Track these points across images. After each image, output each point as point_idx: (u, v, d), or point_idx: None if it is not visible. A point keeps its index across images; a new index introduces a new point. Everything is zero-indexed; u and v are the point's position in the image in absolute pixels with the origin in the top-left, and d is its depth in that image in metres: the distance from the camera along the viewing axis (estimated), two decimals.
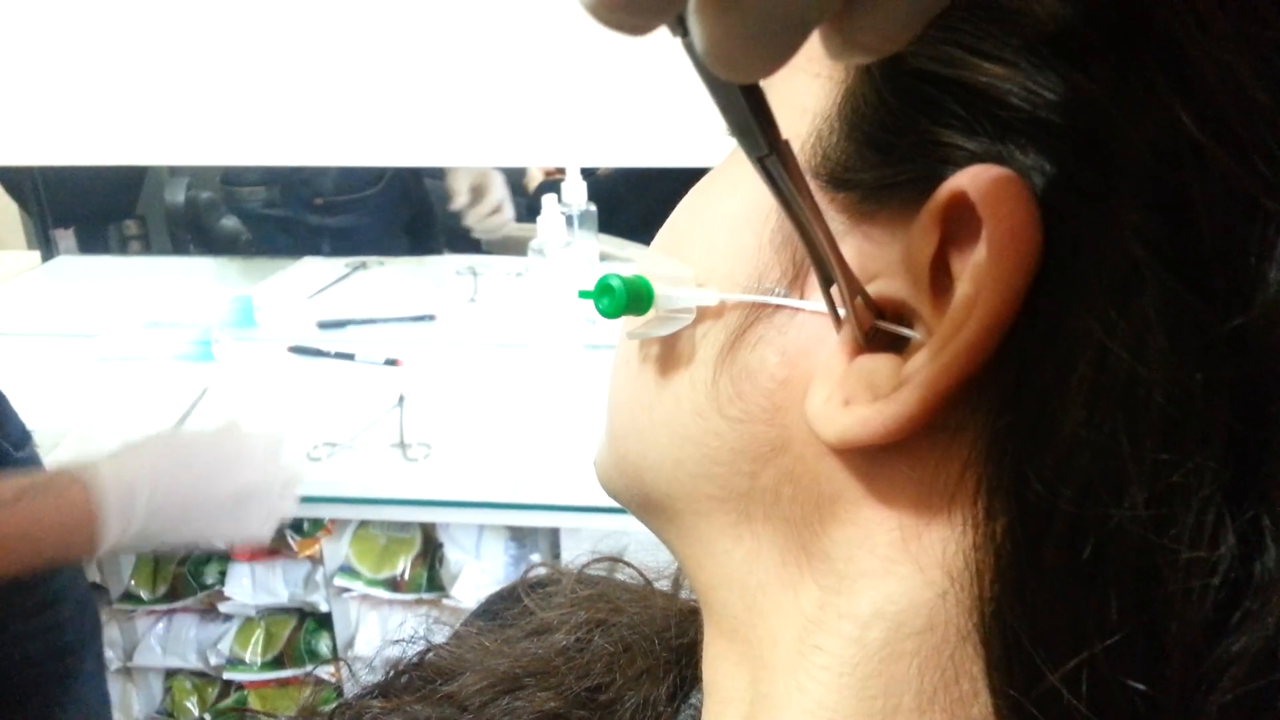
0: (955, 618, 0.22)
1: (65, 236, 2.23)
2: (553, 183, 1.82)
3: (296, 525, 1.21)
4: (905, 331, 0.23)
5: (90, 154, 1.48)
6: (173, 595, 1.31)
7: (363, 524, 1.26)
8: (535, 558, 1.26)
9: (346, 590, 1.23)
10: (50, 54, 1.39)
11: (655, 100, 1.32)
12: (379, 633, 1.26)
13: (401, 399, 1.28)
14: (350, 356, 1.42)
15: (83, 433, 1.22)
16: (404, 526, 1.26)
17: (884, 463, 0.23)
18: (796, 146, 0.22)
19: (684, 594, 0.44)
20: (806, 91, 0.26)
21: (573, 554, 1.17)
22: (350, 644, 1.27)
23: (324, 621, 1.30)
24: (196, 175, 2.00)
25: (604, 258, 1.51)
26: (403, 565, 1.24)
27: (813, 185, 0.24)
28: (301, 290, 1.67)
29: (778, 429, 0.26)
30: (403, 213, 1.97)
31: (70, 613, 1.06)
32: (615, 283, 0.28)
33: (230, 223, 2.06)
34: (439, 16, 1.34)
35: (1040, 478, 0.20)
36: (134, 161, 1.52)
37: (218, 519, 0.91)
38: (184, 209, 2.00)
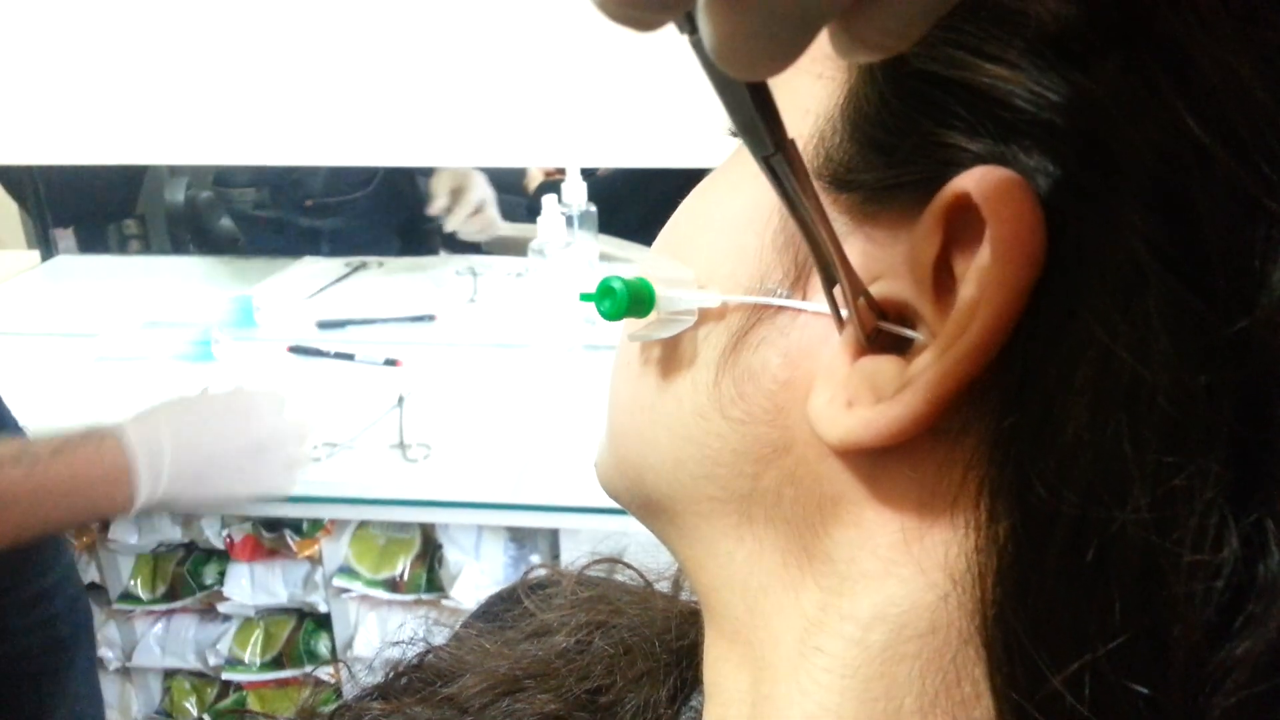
0: (957, 620, 0.22)
1: (65, 236, 2.23)
2: (553, 183, 1.82)
3: (296, 526, 1.21)
4: (908, 333, 0.23)
5: (90, 153, 1.48)
6: (172, 595, 1.31)
7: (362, 524, 1.26)
8: (535, 559, 1.26)
9: (346, 591, 1.23)
10: (50, 54, 1.39)
11: (655, 101, 1.32)
12: (378, 633, 1.26)
13: (401, 399, 1.28)
14: (350, 357, 1.42)
15: None
16: (403, 527, 1.26)
17: (886, 464, 0.23)
18: (799, 147, 0.22)
19: (684, 595, 0.44)
20: (809, 93, 0.26)
21: (572, 555, 1.17)
22: (349, 644, 1.27)
23: (323, 622, 1.30)
24: (196, 175, 2.00)
25: (604, 258, 1.51)
26: (402, 566, 1.24)
27: (815, 186, 0.24)
28: (301, 290, 1.67)
29: (780, 430, 0.26)
30: (395, 214, 1.96)
31: (64, 607, 1.06)
32: (616, 285, 0.28)
33: (230, 223, 2.06)
34: (439, 17, 1.34)
35: (1043, 480, 0.20)
36: (133, 161, 1.52)
37: (239, 472, 0.96)
38: (184, 209, 2.00)
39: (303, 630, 1.32)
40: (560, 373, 1.37)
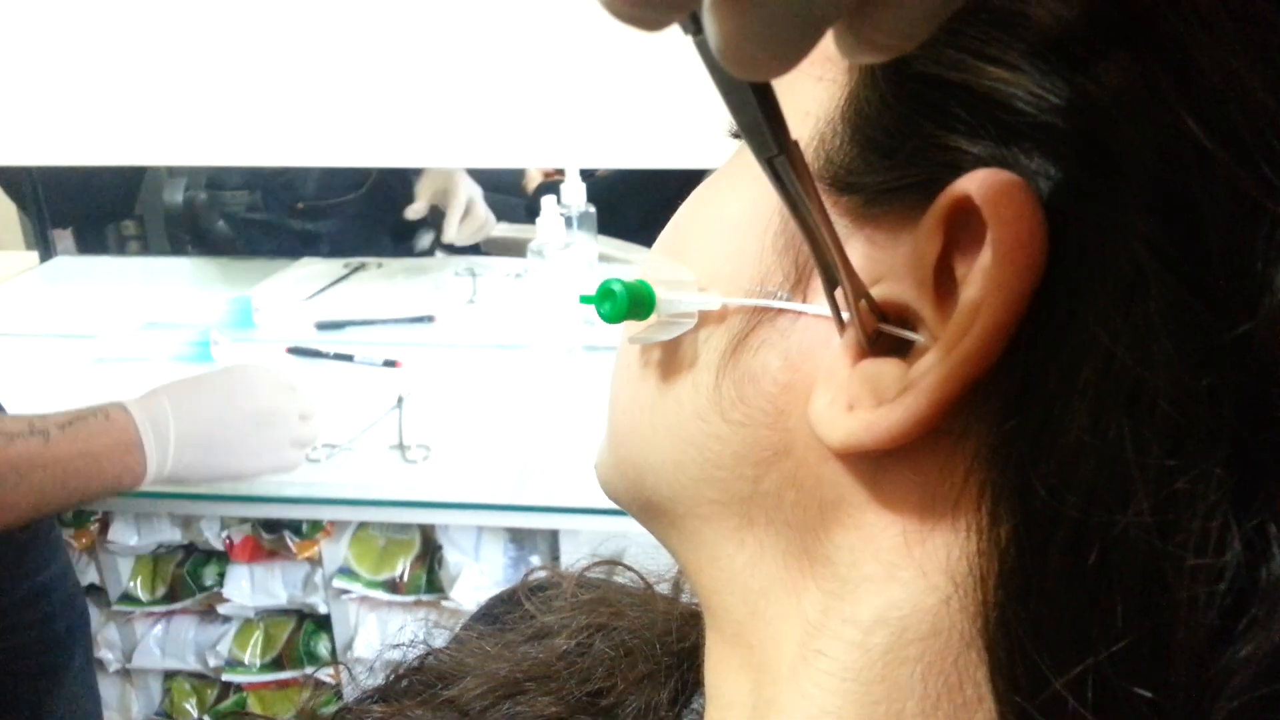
0: (959, 623, 0.22)
1: (63, 237, 2.23)
2: (552, 184, 1.82)
3: (295, 527, 1.21)
4: (909, 335, 0.23)
5: (88, 154, 1.48)
6: (171, 597, 1.30)
7: (362, 525, 1.26)
8: (534, 560, 1.26)
9: (345, 592, 1.23)
10: (49, 54, 1.39)
11: (654, 102, 1.32)
12: (378, 634, 1.26)
13: (400, 400, 1.28)
14: (349, 358, 1.41)
15: None
16: (403, 528, 1.26)
17: (887, 467, 0.23)
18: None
19: (685, 597, 0.44)
20: (809, 95, 0.26)
21: (572, 556, 1.17)
22: (349, 645, 1.27)
23: (323, 623, 1.30)
24: (195, 176, 2.00)
25: (603, 259, 1.51)
26: (402, 567, 1.24)
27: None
28: (300, 291, 1.67)
29: (780, 433, 0.26)
30: (388, 217, 1.94)
31: (60, 605, 1.07)
32: (616, 287, 0.28)
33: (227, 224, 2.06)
34: (439, 17, 1.33)
35: (1045, 483, 0.20)
36: (132, 162, 1.52)
37: (245, 445, 1.00)
38: (182, 209, 2.00)
39: (303, 631, 1.32)
40: (560, 374, 1.37)
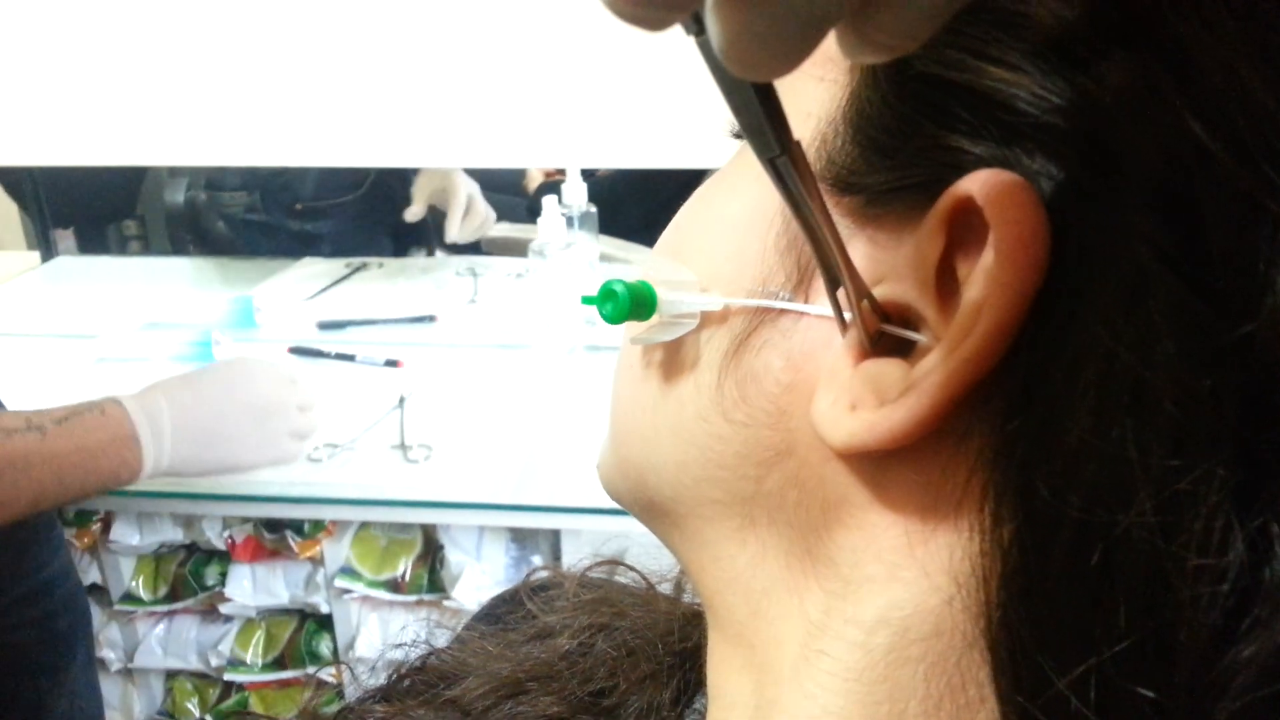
0: (962, 624, 0.22)
1: (65, 237, 2.23)
2: (553, 184, 1.82)
3: (297, 527, 1.21)
4: (912, 335, 0.23)
5: (90, 154, 1.48)
6: (173, 596, 1.31)
7: (363, 525, 1.26)
8: (536, 560, 1.26)
9: (347, 591, 1.23)
10: (49, 54, 1.39)
11: (655, 101, 1.32)
12: (380, 634, 1.26)
13: (402, 400, 1.28)
14: (351, 357, 1.41)
15: None
16: (405, 528, 1.26)
17: (890, 468, 0.23)
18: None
19: (687, 597, 0.44)
20: (810, 96, 0.26)
21: (574, 556, 1.17)
22: (351, 645, 1.27)
23: (325, 623, 1.30)
24: (196, 176, 2.00)
25: (604, 259, 1.51)
26: (403, 567, 1.24)
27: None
28: (301, 291, 1.67)
29: (782, 433, 0.26)
30: (387, 218, 1.94)
31: (62, 602, 1.07)
32: (618, 288, 0.28)
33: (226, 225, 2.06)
34: (440, 17, 1.33)
35: (1048, 484, 0.20)
36: (133, 162, 1.52)
37: (243, 437, 1.00)
38: (183, 210, 2.00)
39: (304, 631, 1.32)
40: (561, 374, 1.37)
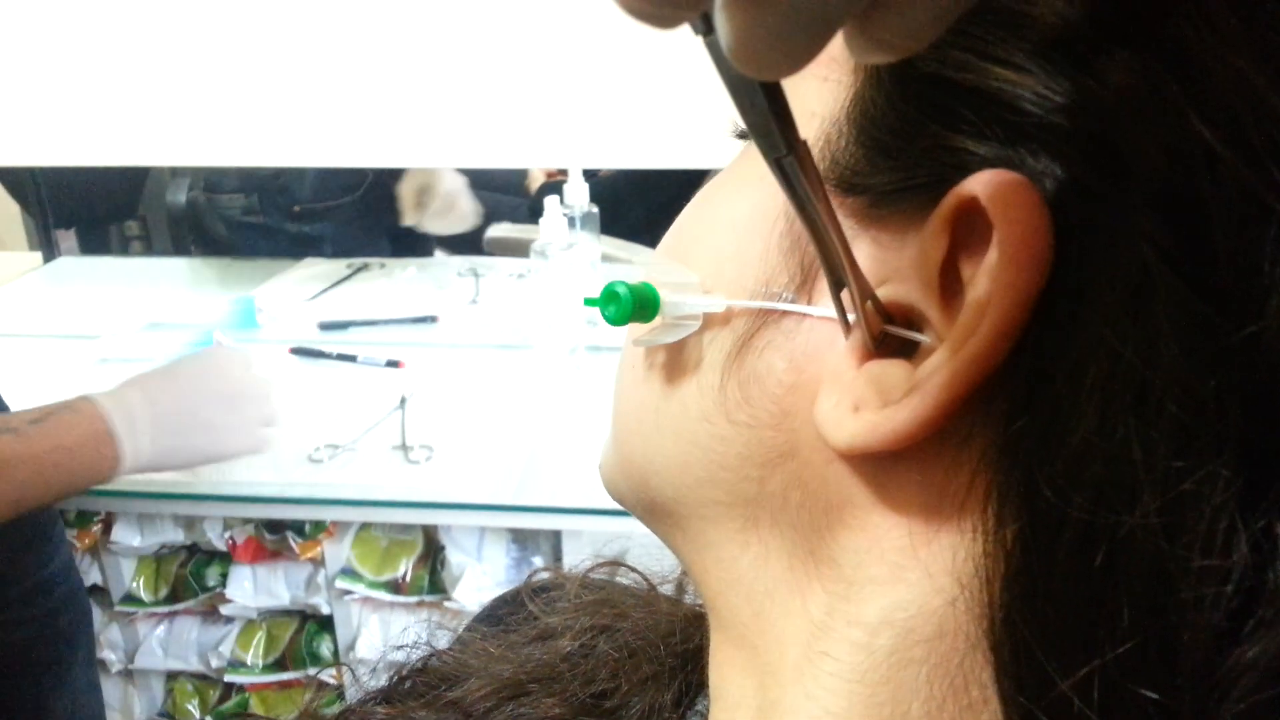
0: (965, 625, 0.22)
1: (67, 237, 2.23)
2: (555, 184, 1.82)
3: (298, 527, 1.21)
4: (916, 336, 0.23)
5: (92, 154, 1.48)
6: (174, 597, 1.31)
7: (364, 526, 1.26)
8: (537, 560, 1.26)
9: (348, 592, 1.23)
10: (51, 54, 1.39)
11: (658, 102, 1.32)
12: (380, 635, 1.26)
13: (403, 401, 1.28)
14: (352, 358, 1.42)
15: None
16: (405, 529, 1.26)
17: (893, 469, 0.23)
18: None
19: (689, 598, 0.44)
20: (814, 96, 0.26)
21: (575, 557, 1.17)
22: (352, 646, 1.27)
23: (325, 624, 1.30)
24: (198, 176, 2.00)
25: (606, 259, 1.51)
26: (404, 567, 1.24)
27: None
28: (303, 292, 1.67)
29: (786, 434, 0.26)
30: (385, 219, 1.94)
31: (63, 600, 1.07)
32: (621, 290, 0.28)
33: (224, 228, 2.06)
34: (442, 17, 1.34)
35: (1051, 484, 0.20)
36: (135, 162, 1.52)
37: (219, 426, 1.01)
38: (185, 210, 2.00)
39: (305, 632, 1.32)
40: (562, 374, 1.37)
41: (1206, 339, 0.18)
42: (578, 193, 1.45)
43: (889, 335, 0.24)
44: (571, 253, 1.35)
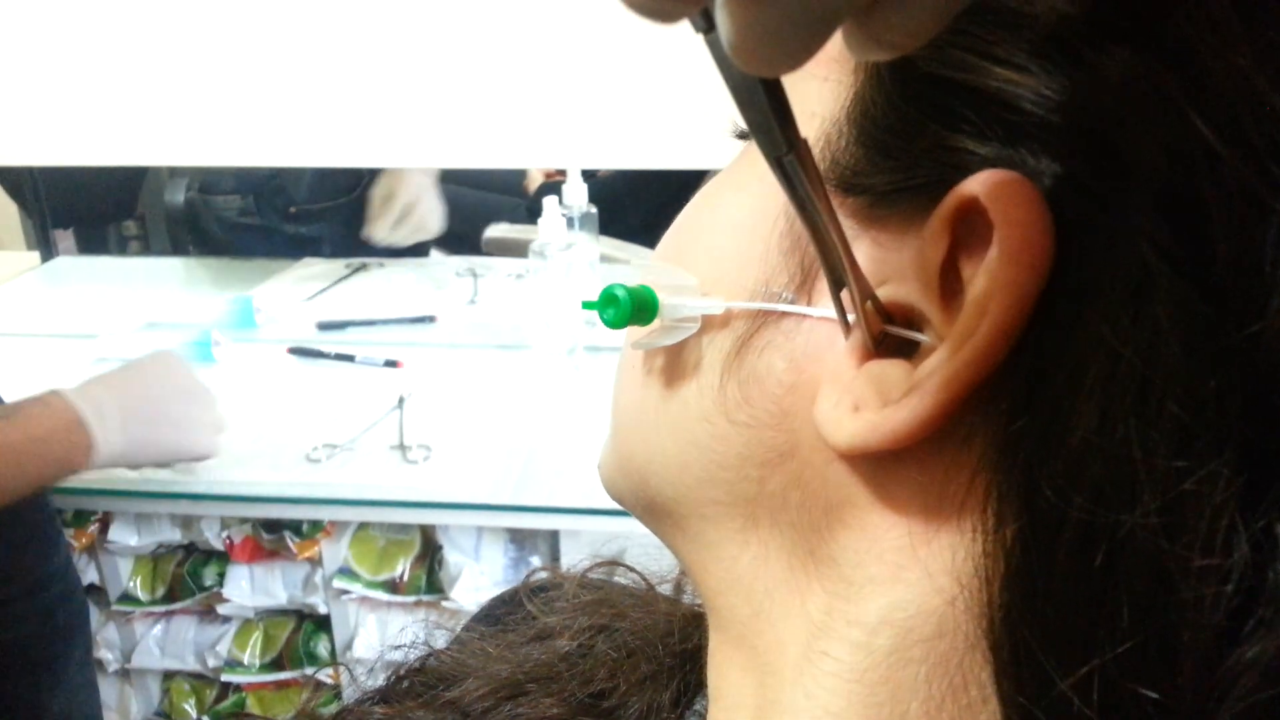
0: (964, 624, 0.22)
1: (64, 237, 2.23)
2: (553, 184, 1.82)
3: (295, 527, 1.21)
4: (916, 336, 0.23)
5: (90, 154, 1.48)
6: (171, 597, 1.30)
7: (362, 526, 1.26)
8: (535, 560, 1.26)
9: (345, 592, 1.23)
10: (49, 54, 1.39)
11: (656, 102, 1.32)
12: (378, 635, 1.26)
13: (401, 400, 1.28)
14: (350, 358, 1.41)
15: None
16: (403, 528, 1.26)
17: (893, 468, 0.23)
18: None
19: (687, 598, 0.44)
20: (814, 96, 0.26)
21: (572, 557, 1.17)
22: (349, 646, 1.26)
23: (323, 623, 1.30)
24: (196, 176, 2.00)
25: (605, 260, 1.50)
26: (402, 567, 1.24)
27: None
28: (301, 292, 1.67)
29: (785, 434, 0.26)
30: None
31: (61, 597, 1.08)
32: (620, 293, 0.28)
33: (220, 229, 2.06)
34: (441, 17, 1.33)
35: (1051, 484, 0.20)
36: (133, 162, 1.52)
37: (184, 419, 1.05)
38: (183, 210, 2.00)
39: (302, 632, 1.32)
40: (560, 374, 1.37)
41: (1207, 338, 0.18)
42: (576, 193, 1.45)
43: (889, 335, 0.24)
44: (570, 253, 1.35)
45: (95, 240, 2.40)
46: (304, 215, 1.88)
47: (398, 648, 0.43)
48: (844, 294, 0.24)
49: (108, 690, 1.35)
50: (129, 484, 1.12)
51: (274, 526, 1.22)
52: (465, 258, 1.85)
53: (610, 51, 1.30)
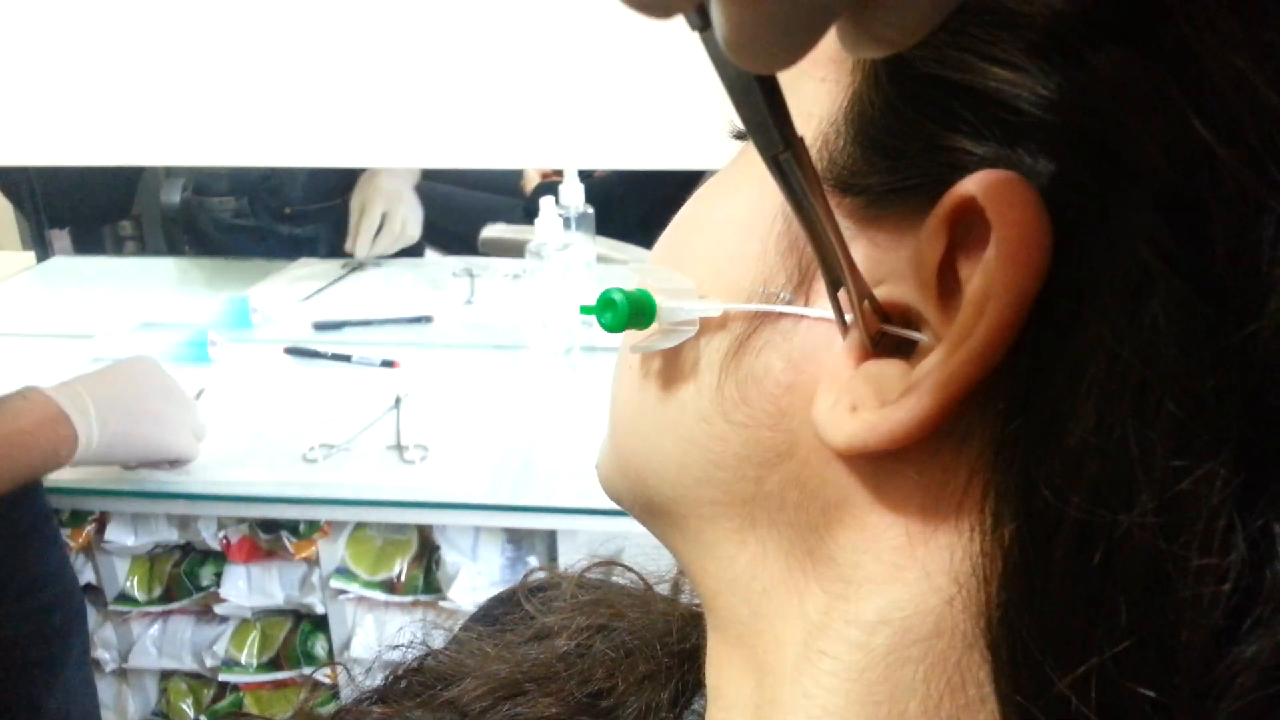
0: (962, 624, 0.22)
1: (60, 237, 2.22)
2: (550, 185, 1.82)
3: (292, 527, 1.21)
4: (913, 335, 0.23)
5: (86, 154, 1.48)
6: (168, 597, 1.30)
7: (359, 526, 1.26)
8: (532, 560, 1.26)
9: (343, 592, 1.23)
10: (46, 54, 1.39)
11: (653, 102, 1.32)
12: (375, 635, 1.26)
13: (398, 400, 1.28)
14: (347, 358, 1.41)
15: None
16: (400, 528, 1.25)
17: (891, 468, 0.23)
18: None
19: (685, 598, 0.44)
20: (811, 96, 0.26)
21: (570, 557, 1.16)
22: (346, 646, 1.26)
23: (320, 623, 1.30)
24: (192, 177, 2.00)
25: (601, 260, 1.50)
26: (399, 567, 1.24)
27: None
28: (297, 291, 1.67)
29: (783, 434, 0.26)
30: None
31: (57, 597, 1.07)
32: (617, 297, 0.28)
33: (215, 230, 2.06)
34: (437, 17, 1.33)
35: (1049, 484, 0.20)
36: (129, 162, 1.51)
37: (164, 416, 1.06)
38: (179, 210, 1.99)
39: (299, 631, 1.32)
40: (557, 374, 1.37)
41: (1205, 338, 0.18)
42: (573, 193, 1.45)
43: (886, 335, 0.24)
44: (566, 253, 1.34)
45: (91, 240, 2.40)
46: (298, 216, 1.88)
47: (395, 647, 0.43)
48: (841, 294, 0.24)
49: (105, 690, 1.35)
50: (125, 484, 1.12)
51: (271, 526, 1.22)
52: (462, 258, 1.85)
53: (607, 51, 1.30)
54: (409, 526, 1.25)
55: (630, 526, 0.33)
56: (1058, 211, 0.20)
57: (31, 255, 1.90)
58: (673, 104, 1.30)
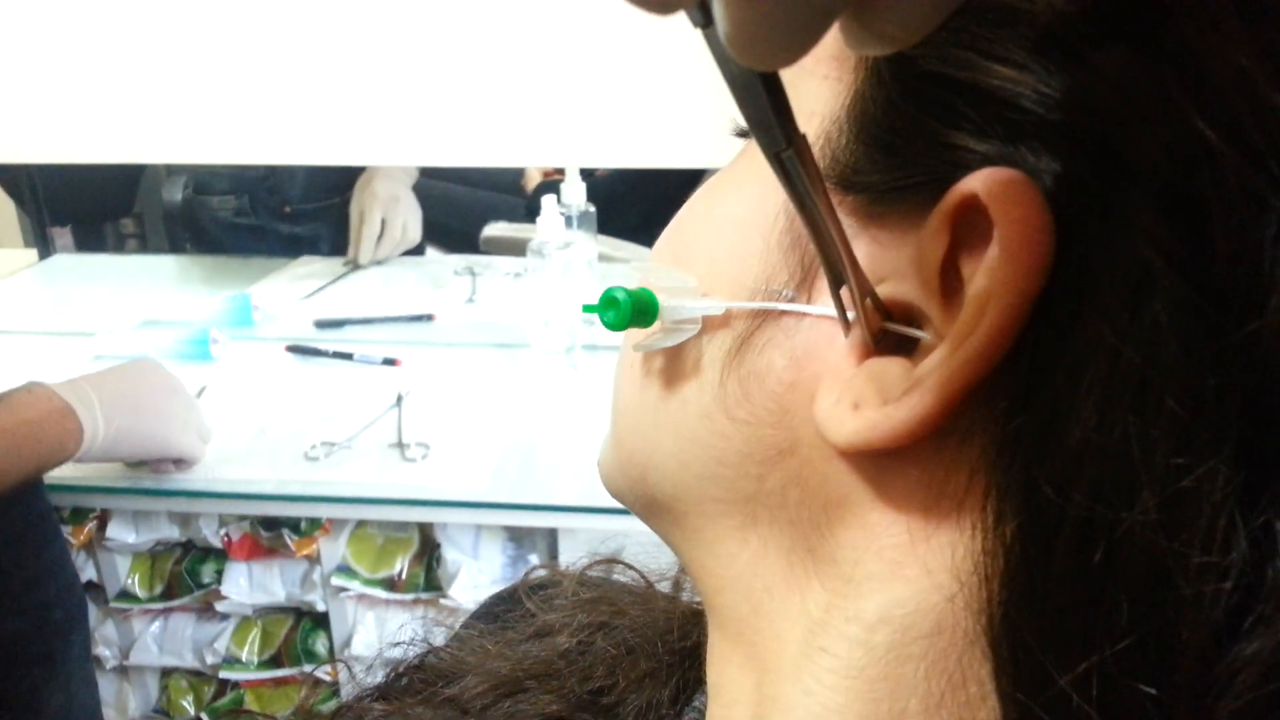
0: (963, 621, 0.22)
1: (62, 234, 2.23)
2: (551, 183, 1.82)
3: (294, 525, 1.21)
4: (915, 333, 0.23)
5: (87, 152, 1.48)
6: (169, 594, 1.30)
7: (360, 523, 1.26)
8: (533, 558, 1.26)
9: (344, 590, 1.23)
10: (47, 52, 1.39)
11: (654, 101, 1.32)
12: (376, 632, 1.26)
13: (400, 398, 1.28)
14: (348, 356, 1.41)
15: None
16: (401, 526, 1.25)
17: (892, 466, 0.23)
18: None
19: (685, 596, 0.44)
20: (814, 95, 0.26)
21: (570, 555, 1.16)
22: (347, 643, 1.26)
23: (321, 621, 1.30)
24: (193, 174, 2.00)
25: (603, 259, 1.50)
26: (400, 565, 1.24)
27: None
28: (299, 289, 1.67)
29: (785, 432, 0.26)
30: None
31: (58, 592, 1.07)
32: (620, 296, 0.28)
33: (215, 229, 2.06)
34: (438, 16, 1.33)
35: (1050, 482, 0.20)
36: (131, 160, 1.51)
37: (168, 412, 1.07)
38: (181, 208, 1.99)
39: (300, 629, 1.32)
40: (558, 372, 1.37)
41: (1207, 337, 0.18)
42: (574, 192, 1.45)
43: (889, 333, 0.24)
44: (568, 252, 1.34)
45: (93, 238, 2.40)
46: (299, 215, 1.88)
47: (396, 645, 0.43)
48: (844, 292, 0.24)
49: (106, 687, 1.35)
50: (127, 481, 1.12)
51: (272, 524, 1.22)
52: (463, 256, 1.85)
53: (609, 50, 1.30)
54: (410, 524, 1.25)
55: (631, 525, 0.33)
56: (1059, 210, 0.20)
57: (33, 252, 1.90)
58: (674, 103, 1.30)
